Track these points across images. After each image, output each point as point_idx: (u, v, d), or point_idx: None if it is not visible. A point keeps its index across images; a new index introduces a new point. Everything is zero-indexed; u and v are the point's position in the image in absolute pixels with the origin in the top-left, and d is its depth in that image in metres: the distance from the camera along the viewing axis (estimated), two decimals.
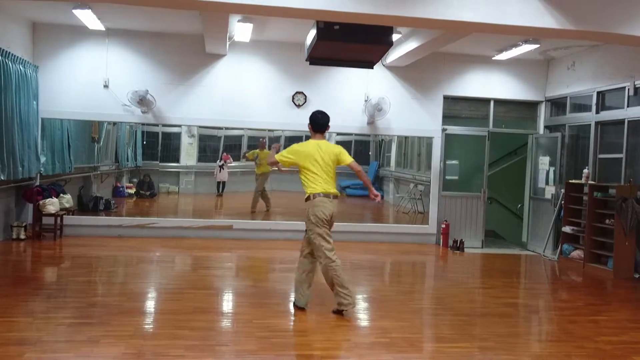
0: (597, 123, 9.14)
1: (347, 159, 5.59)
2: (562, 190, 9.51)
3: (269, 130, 10.60)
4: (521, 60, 10.13)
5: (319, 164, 5.47)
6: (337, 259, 5.40)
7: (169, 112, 9.68)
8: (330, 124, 5.69)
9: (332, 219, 5.46)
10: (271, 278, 7.68)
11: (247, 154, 12.85)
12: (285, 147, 5.79)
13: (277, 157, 5.64)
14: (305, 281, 5.55)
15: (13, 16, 8.59)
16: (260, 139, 12.76)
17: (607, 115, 9.00)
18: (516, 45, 8.93)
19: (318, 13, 5.76)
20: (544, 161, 10.28)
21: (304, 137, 5.80)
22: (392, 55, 9.51)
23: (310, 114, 5.73)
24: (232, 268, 7.99)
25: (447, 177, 10.33)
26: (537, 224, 10.38)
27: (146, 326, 5.02)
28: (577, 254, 8.96)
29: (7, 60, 8.06)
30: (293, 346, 4.67)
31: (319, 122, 5.67)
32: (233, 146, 14.56)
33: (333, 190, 5.51)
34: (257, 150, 12.35)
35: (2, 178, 7.97)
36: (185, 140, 14.42)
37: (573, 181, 9.28)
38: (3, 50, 7.98)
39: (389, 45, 6.64)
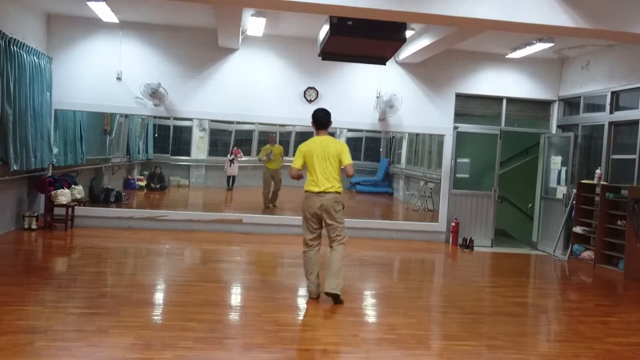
0: (610, 123, 9.06)
1: (346, 160, 5.58)
2: (574, 191, 9.45)
3: (280, 125, 10.62)
4: (535, 58, 10.05)
5: (317, 161, 5.56)
6: (309, 251, 5.64)
7: (181, 105, 9.72)
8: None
9: (321, 212, 5.53)
10: (280, 272, 7.70)
11: (260, 157, 12.64)
12: (295, 143, 5.83)
13: (293, 166, 5.72)
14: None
15: (28, 7, 8.64)
16: (271, 134, 12.71)
17: (621, 115, 8.92)
18: (530, 44, 8.85)
19: (331, 8, 5.75)
20: (556, 161, 10.21)
21: (314, 133, 5.81)
22: (405, 52, 9.47)
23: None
24: (241, 262, 8.01)
25: (458, 175, 10.29)
26: (547, 224, 10.31)
27: (155, 317, 5.05)
28: (588, 254, 8.91)
29: (21, 51, 8.12)
30: (301, 340, 4.67)
31: (321, 120, 5.76)
32: (244, 141, 14.54)
33: (321, 187, 5.52)
34: (269, 146, 12.30)
35: (15, 168, 8.04)
36: (196, 134, 14.43)
37: (585, 181, 9.22)
38: (18, 41, 8.03)
39: (401, 41, 6.61)
